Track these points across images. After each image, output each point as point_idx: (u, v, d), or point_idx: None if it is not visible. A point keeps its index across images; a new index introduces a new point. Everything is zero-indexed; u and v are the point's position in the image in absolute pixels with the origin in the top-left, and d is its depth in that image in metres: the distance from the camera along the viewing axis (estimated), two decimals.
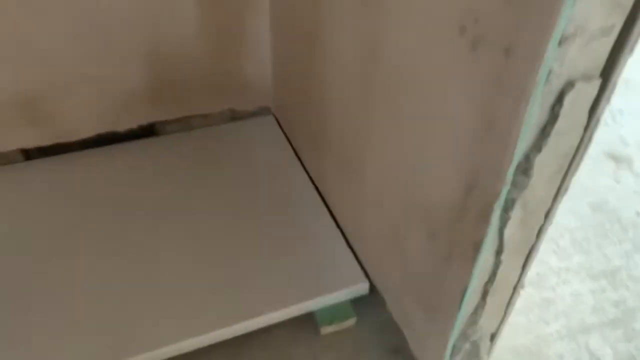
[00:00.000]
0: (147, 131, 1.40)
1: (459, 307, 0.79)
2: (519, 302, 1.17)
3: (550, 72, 0.55)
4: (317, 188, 1.28)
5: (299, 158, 1.36)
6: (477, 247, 0.70)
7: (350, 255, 1.13)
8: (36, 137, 1.28)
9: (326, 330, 1.06)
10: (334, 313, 1.07)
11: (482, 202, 0.66)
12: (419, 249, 0.86)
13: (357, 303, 1.09)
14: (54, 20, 1.14)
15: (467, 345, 0.87)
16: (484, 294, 0.78)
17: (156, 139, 1.41)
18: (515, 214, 0.66)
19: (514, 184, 0.63)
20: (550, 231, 1.35)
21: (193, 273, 1.08)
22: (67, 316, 0.99)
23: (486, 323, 0.84)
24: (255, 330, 1.03)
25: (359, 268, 1.11)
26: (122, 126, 1.36)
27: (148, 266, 1.09)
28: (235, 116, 1.47)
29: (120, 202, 1.22)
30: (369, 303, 1.09)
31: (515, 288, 0.81)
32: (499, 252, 0.72)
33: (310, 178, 1.30)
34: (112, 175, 1.29)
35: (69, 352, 0.94)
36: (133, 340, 0.96)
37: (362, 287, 1.09)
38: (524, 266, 0.77)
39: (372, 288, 1.09)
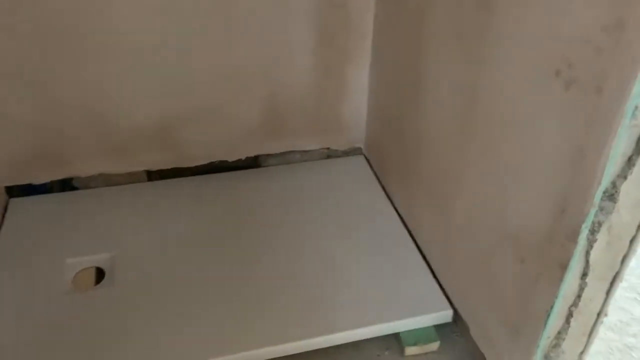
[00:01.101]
0: (251, 162, 1.56)
1: (544, 329, 0.85)
2: (601, 345, 1.20)
3: (636, 108, 0.64)
4: (404, 222, 1.38)
5: (387, 195, 1.47)
6: (564, 268, 0.77)
7: (436, 285, 1.21)
8: (160, 161, 1.48)
9: (410, 350, 1.13)
10: (418, 335, 1.14)
11: (571, 224, 0.74)
12: (507, 274, 0.93)
13: (441, 328, 1.16)
14: (196, 62, 1.34)
15: None
16: (568, 316, 0.84)
17: (258, 170, 1.57)
18: (602, 236, 0.74)
19: (601, 208, 0.71)
20: (633, 279, 1.37)
21: (290, 288, 1.19)
22: (179, 312, 1.13)
23: (569, 348, 0.89)
24: (345, 343, 1.12)
25: (443, 297, 1.18)
26: (232, 157, 1.53)
27: (252, 275, 1.22)
28: (330, 154, 1.62)
29: (223, 220, 1.37)
30: (453, 329, 1.16)
31: (598, 315, 0.86)
32: (584, 274, 0.78)
33: (398, 213, 1.41)
34: (219, 198, 1.45)
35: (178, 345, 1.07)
36: (236, 339, 1.08)
37: (446, 315, 1.16)
38: (608, 292, 0.83)
39: (456, 315, 1.15)
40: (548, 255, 0.81)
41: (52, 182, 1.44)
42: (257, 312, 1.14)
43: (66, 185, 1.45)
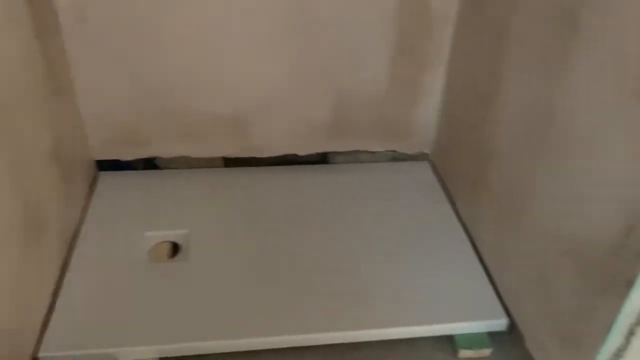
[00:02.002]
0: (320, 158, 1.63)
1: (603, 345, 0.87)
2: None
3: None
4: (466, 229, 1.40)
5: (450, 201, 1.50)
6: (630, 285, 0.79)
7: (493, 293, 1.23)
8: (236, 149, 1.57)
9: (464, 354, 1.15)
10: (472, 340, 1.16)
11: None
12: (567, 287, 0.95)
13: (494, 336, 1.18)
14: (274, 57, 1.42)
15: None
16: (629, 334, 0.85)
17: (327, 166, 1.63)
18: None
19: None
20: None
21: (349, 280, 1.25)
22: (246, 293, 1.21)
23: None
24: (400, 338, 1.16)
25: (499, 305, 1.20)
26: (303, 151, 1.60)
27: (312, 263, 1.28)
28: (396, 157, 1.66)
29: (288, 210, 1.45)
30: (507, 338, 1.18)
31: None
32: None
33: (460, 220, 1.43)
34: (287, 189, 1.53)
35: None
36: (290, 321, 1.15)
37: (501, 323, 1.18)
38: None
39: (512, 324, 1.17)
40: (613, 271, 0.82)
41: (136, 160, 1.55)
42: (314, 299, 1.20)
43: (149, 164, 1.57)
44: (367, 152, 1.64)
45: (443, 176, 1.58)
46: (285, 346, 1.14)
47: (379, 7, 1.37)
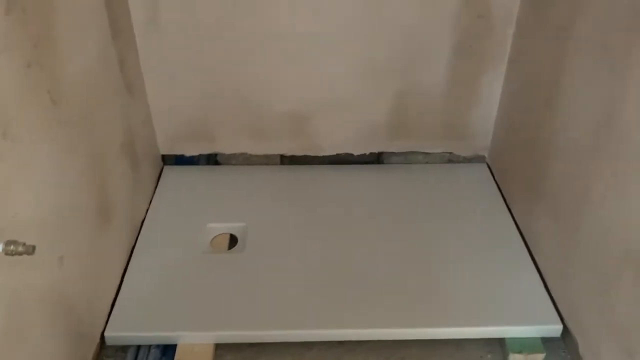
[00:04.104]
0: (375, 158, 1.65)
1: None
2: None
3: None
4: (521, 233, 1.38)
5: (507, 205, 1.48)
6: None
7: (548, 298, 1.21)
8: (293, 147, 1.61)
9: (515, 357, 1.14)
10: (524, 344, 1.15)
11: None
12: (627, 296, 0.93)
13: (548, 342, 1.16)
14: (335, 58, 1.45)
15: None
16: None
17: (380, 166, 1.65)
18: None
19: None
20: None
21: (401, 279, 1.26)
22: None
23: None
24: (449, 339, 1.16)
25: (554, 311, 1.18)
26: (357, 151, 1.63)
27: (363, 261, 1.30)
28: (452, 159, 1.65)
29: (342, 208, 1.48)
30: (561, 344, 1.16)
31: None
32: None
33: (516, 224, 1.41)
34: (342, 188, 1.56)
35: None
36: (346, 316, 1.17)
37: (555, 329, 1.16)
38: None
39: (566, 331, 1.15)
40: None
41: (199, 156, 1.63)
42: (363, 296, 1.22)
43: (210, 159, 1.63)
44: (422, 153, 1.64)
45: (499, 179, 1.56)
46: (334, 339, 1.17)
47: (442, 9, 1.38)
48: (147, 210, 1.45)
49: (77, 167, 1.03)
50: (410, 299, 1.21)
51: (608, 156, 0.98)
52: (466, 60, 1.46)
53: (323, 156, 1.63)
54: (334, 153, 1.63)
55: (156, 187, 1.54)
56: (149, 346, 1.15)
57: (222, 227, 1.42)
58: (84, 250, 1.05)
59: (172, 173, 1.60)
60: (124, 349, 1.15)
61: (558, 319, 1.16)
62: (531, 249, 1.33)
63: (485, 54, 1.45)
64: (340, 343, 1.18)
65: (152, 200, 1.49)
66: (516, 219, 1.43)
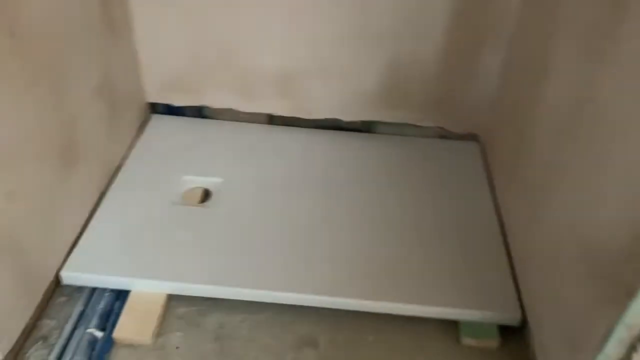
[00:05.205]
0: (365, 127, 1.60)
1: (600, 354, 0.81)
2: None
3: None
4: (499, 217, 1.33)
5: (491, 186, 1.43)
6: (630, 295, 0.72)
7: (512, 285, 1.17)
8: (281, 108, 1.58)
9: (467, 341, 1.12)
10: (478, 329, 1.12)
11: None
12: (577, 289, 0.89)
13: (505, 330, 1.13)
14: (326, 17, 1.40)
15: None
16: (631, 347, 0.78)
17: (370, 135, 1.61)
18: None
19: None
20: None
21: (364, 249, 1.24)
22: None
23: None
24: (402, 315, 1.14)
25: (515, 298, 1.14)
26: (347, 117, 1.58)
27: (331, 229, 1.29)
28: (443, 134, 1.60)
29: (324, 174, 1.45)
30: (519, 334, 1.12)
31: None
32: None
33: (497, 207, 1.36)
34: (327, 153, 1.52)
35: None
36: (306, 281, 1.16)
37: (513, 317, 1.12)
38: None
39: (524, 321, 1.12)
40: (620, 278, 0.75)
41: (188, 107, 1.61)
42: (325, 263, 1.20)
43: (199, 112, 1.62)
44: (414, 125, 1.59)
45: (489, 160, 1.50)
46: (287, 303, 1.16)
47: None
48: (125, 157, 1.45)
49: (37, 102, 1.02)
50: (372, 271, 1.19)
51: (575, 139, 0.92)
52: (463, 32, 1.39)
53: (312, 120, 1.60)
54: (323, 117, 1.59)
55: (139, 135, 1.53)
56: (104, 289, 1.16)
57: (198, 180, 1.41)
58: (39, 187, 1.06)
59: (158, 122, 1.59)
60: (80, 290, 1.17)
61: (518, 307, 1.13)
62: (506, 233, 1.29)
63: (486, 27, 1.38)
64: (294, 307, 1.17)
65: (133, 147, 1.48)
66: (497, 201, 1.38)
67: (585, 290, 0.85)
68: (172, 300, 1.17)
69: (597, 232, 0.83)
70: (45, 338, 1.08)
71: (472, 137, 1.59)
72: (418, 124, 1.58)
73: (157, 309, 1.12)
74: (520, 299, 1.14)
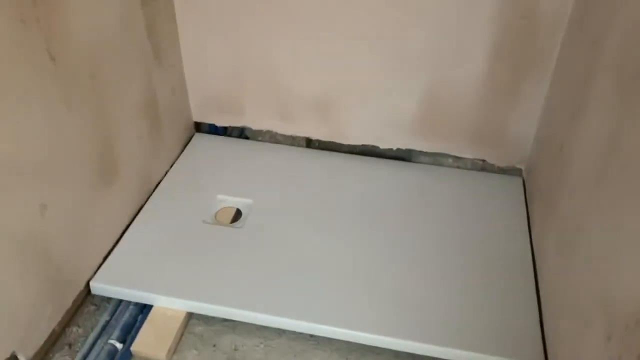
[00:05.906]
0: (402, 154, 1.58)
1: None
2: None
3: None
4: (534, 259, 1.27)
5: (529, 224, 1.37)
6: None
7: (539, 332, 1.11)
8: (319, 132, 1.59)
9: None
10: None
11: None
12: (594, 346, 0.83)
13: None
14: (366, 43, 1.40)
15: None
16: None
17: (407, 163, 1.58)
18: None
19: None
20: None
21: (392, 282, 1.21)
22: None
23: None
24: (424, 355, 1.11)
25: (540, 348, 1.08)
26: (384, 144, 1.57)
27: (364, 258, 1.27)
28: (485, 167, 1.55)
29: (359, 201, 1.44)
30: None
31: None
32: None
33: (532, 248, 1.30)
34: (363, 180, 1.51)
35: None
36: (325, 311, 1.15)
37: None
38: None
39: None
40: (632, 341, 0.70)
41: (231, 128, 1.65)
42: (346, 293, 1.19)
43: (240, 132, 1.66)
44: (453, 156, 1.55)
45: (529, 198, 1.44)
46: (304, 331, 1.16)
47: (483, 4, 1.28)
48: (166, 173, 1.50)
49: (77, 121, 1.08)
50: (396, 306, 1.16)
51: (604, 189, 0.86)
52: (506, 64, 1.35)
53: (349, 145, 1.60)
54: (360, 143, 1.59)
55: (182, 152, 1.59)
56: (129, 302, 1.20)
57: (231, 200, 1.44)
58: (75, 201, 1.12)
59: (201, 141, 1.65)
60: (109, 300, 1.22)
61: (542, 357, 1.07)
62: (538, 275, 1.22)
63: (528, 60, 1.33)
64: (311, 336, 1.17)
65: (174, 165, 1.54)
66: (533, 243, 1.31)
67: (600, 351, 0.79)
68: (193, 318, 1.20)
69: (616, 288, 0.77)
70: (70, 345, 1.14)
71: (514, 172, 1.53)
72: (457, 155, 1.54)
73: (176, 325, 1.15)
74: (545, 348, 1.08)
